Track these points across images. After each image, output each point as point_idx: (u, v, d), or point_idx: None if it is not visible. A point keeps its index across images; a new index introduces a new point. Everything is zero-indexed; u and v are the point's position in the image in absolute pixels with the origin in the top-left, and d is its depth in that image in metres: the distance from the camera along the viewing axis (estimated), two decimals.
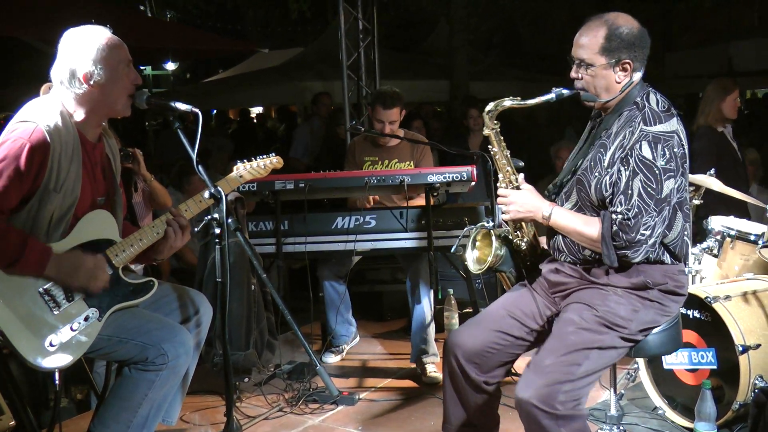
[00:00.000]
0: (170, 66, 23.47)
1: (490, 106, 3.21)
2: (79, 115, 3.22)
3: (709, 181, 4.73)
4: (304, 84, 12.48)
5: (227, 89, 14.69)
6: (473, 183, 4.90)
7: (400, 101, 5.41)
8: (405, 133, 5.60)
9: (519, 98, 3.19)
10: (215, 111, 16.13)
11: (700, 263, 4.60)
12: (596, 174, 3.07)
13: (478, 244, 3.46)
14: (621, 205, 2.96)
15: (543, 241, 3.44)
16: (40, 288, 3.11)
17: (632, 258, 2.99)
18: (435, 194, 4.93)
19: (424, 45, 18.39)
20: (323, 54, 13.48)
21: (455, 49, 13.82)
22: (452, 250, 3.64)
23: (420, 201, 5.27)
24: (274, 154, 3.99)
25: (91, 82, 3.17)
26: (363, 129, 5.58)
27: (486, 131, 3.25)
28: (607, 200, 3.03)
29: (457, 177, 4.82)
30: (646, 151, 2.94)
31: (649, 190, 2.93)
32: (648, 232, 2.94)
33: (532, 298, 3.34)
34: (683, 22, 20.40)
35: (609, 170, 3.02)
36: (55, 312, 3.12)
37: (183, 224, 3.45)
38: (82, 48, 3.18)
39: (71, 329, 3.13)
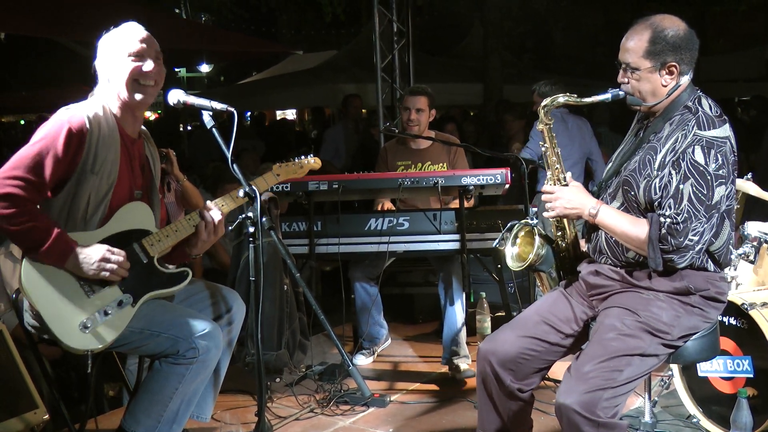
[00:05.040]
0: (204, 68, 23.64)
1: (546, 101, 3.21)
2: (115, 109, 3.34)
3: (746, 185, 4.66)
4: (337, 86, 12.50)
5: (261, 91, 14.74)
6: (507, 186, 4.88)
7: (427, 93, 5.49)
8: (437, 134, 5.60)
9: (575, 95, 3.18)
10: (249, 113, 16.20)
11: (736, 269, 4.53)
12: (646, 176, 3.02)
13: (519, 241, 3.43)
14: (670, 209, 2.91)
15: (583, 244, 3.40)
16: None
17: (678, 263, 2.95)
18: (469, 196, 4.92)
19: (458, 48, 18.36)
20: (357, 56, 13.50)
21: (489, 53, 13.79)
22: (495, 244, 3.61)
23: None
24: (312, 155, 4.02)
25: (105, 76, 3.34)
26: (397, 131, 5.59)
27: (540, 126, 3.25)
28: (656, 203, 2.99)
29: (491, 180, 4.80)
30: (699, 156, 2.90)
31: (700, 195, 2.89)
32: (696, 238, 2.90)
33: (567, 303, 3.30)
34: (718, 26, 20.22)
35: (659, 173, 2.98)
36: (89, 296, 3.19)
37: (215, 218, 3.51)
38: (103, 45, 3.36)
39: (105, 313, 3.19)
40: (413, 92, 5.52)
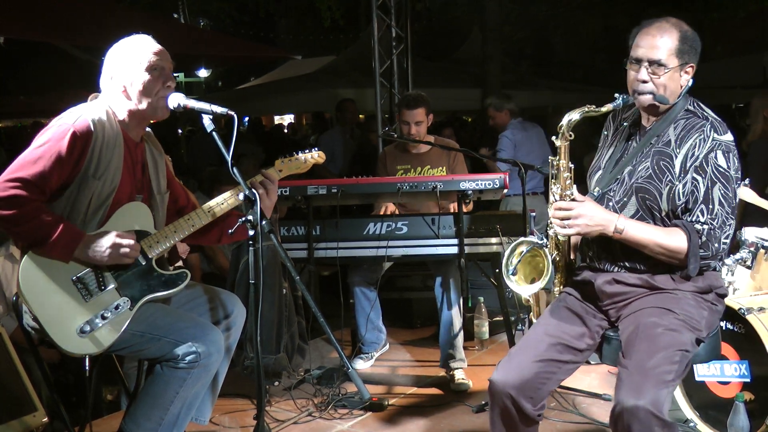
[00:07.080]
0: (203, 73, 23.68)
1: (573, 115, 3.04)
2: (121, 115, 3.35)
3: (742, 191, 4.68)
4: (336, 91, 12.50)
5: (259, 96, 14.75)
6: (506, 191, 4.88)
7: (424, 103, 5.45)
8: (436, 139, 5.61)
9: (593, 106, 3.07)
10: (247, 118, 16.21)
11: (733, 274, 4.55)
12: (667, 182, 2.98)
13: (520, 263, 3.19)
14: (703, 215, 2.91)
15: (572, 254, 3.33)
16: (73, 276, 3.20)
17: (712, 267, 2.99)
18: (467, 201, 4.91)
19: (457, 54, 18.38)
20: (356, 61, 13.51)
21: (488, 58, 13.79)
22: (504, 277, 3.31)
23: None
24: (316, 149, 3.98)
25: (120, 85, 3.32)
26: (396, 135, 5.60)
27: (558, 142, 3.07)
28: (679, 209, 2.96)
29: (489, 184, 4.80)
30: (722, 161, 2.92)
31: (728, 197, 2.92)
32: (728, 241, 2.94)
33: (576, 319, 3.18)
34: (716, 32, 20.24)
35: (682, 178, 2.95)
36: (87, 300, 3.20)
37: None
38: (117, 55, 3.35)
39: (102, 317, 3.19)
40: (409, 105, 5.43)
